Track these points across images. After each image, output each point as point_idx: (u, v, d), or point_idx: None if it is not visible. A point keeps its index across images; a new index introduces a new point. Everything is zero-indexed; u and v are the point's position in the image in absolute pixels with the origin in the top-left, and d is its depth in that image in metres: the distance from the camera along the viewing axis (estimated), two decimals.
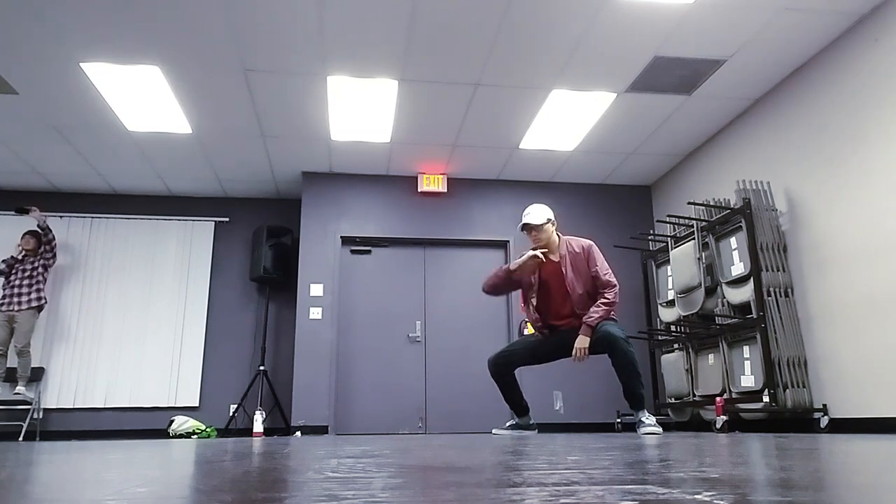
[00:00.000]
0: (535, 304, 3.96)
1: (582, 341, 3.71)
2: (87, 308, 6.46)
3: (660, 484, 0.92)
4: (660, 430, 3.73)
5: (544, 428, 6.00)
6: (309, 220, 6.35)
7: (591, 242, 3.94)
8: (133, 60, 4.45)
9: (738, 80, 4.84)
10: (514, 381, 4.00)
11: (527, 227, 3.91)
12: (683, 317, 5.31)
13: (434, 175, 6.52)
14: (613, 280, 3.82)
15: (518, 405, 4.05)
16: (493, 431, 4.27)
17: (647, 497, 0.78)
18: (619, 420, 5.89)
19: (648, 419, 3.74)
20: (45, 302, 6.07)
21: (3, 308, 5.87)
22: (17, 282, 5.95)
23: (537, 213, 3.93)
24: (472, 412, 6.12)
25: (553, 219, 3.96)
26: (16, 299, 5.89)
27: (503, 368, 3.97)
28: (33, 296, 5.94)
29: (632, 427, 4.18)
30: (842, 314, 4.23)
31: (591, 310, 3.75)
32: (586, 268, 3.85)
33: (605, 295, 3.78)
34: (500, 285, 4.05)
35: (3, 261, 6.10)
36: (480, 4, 3.95)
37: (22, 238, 6.10)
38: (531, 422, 4.14)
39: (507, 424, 4.21)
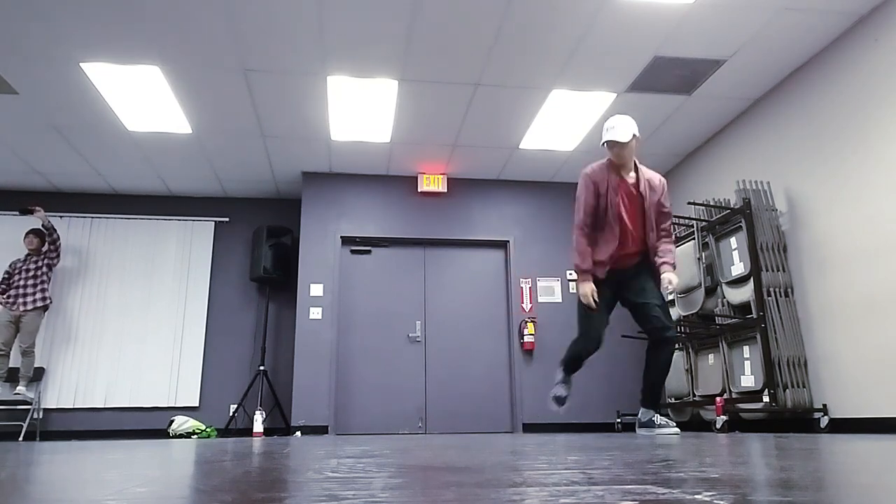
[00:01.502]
0: (609, 231, 3.57)
1: (673, 275, 3.52)
2: (87, 308, 6.47)
3: (660, 484, 0.92)
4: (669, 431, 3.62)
5: (544, 428, 6.02)
6: (309, 220, 6.35)
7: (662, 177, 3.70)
8: (133, 60, 4.45)
9: (738, 80, 4.84)
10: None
11: (611, 144, 3.52)
12: (683, 317, 5.31)
13: (434, 175, 6.52)
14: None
15: (578, 366, 3.76)
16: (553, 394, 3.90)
17: (647, 497, 0.78)
18: (619, 420, 5.89)
19: (661, 419, 3.64)
20: (51, 302, 6.07)
21: (9, 308, 5.87)
22: (22, 282, 5.95)
23: (624, 127, 3.50)
24: (472, 412, 6.12)
25: (638, 134, 3.57)
26: (21, 300, 5.89)
27: (599, 342, 3.61)
28: (38, 296, 5.94)
29: (632, 427, 4.16)
30: (842, 314, 4.23)
31: (665, 250, 3.58)
32: (658, 202, 3.61)
33: (669, 240, 3.59)
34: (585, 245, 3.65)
35: (10, 265, 6.11)
36: (480, 4, 3.95)
37: (25, 237, 6.11)
38: (570, 386, 3.87)
39: (559, 380, 3.87)
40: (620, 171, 3.61)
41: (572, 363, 3.74)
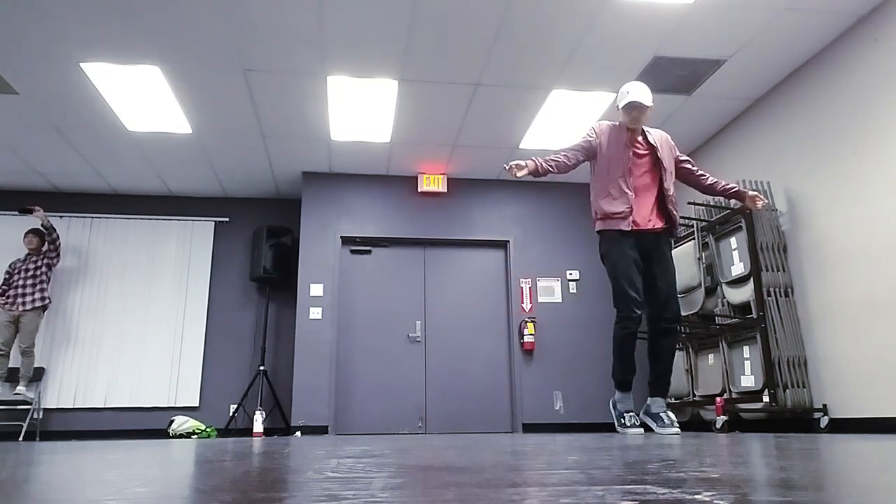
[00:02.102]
0: (621, 187, 3.48)
1: (756, 193, 3.67)
2: (87, 308, 6.47)
3: (660, 484, 0.92)
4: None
5: (544, 428, 6.02)
6: (309, 220, 6.35)
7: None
8: (133, 60, 4.45)
9: (738, 80, 4.84)
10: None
11: (634, 106, 3.51)
12: (683, 317, 5.31)
13: (434, 175, 6.52)
14: None
15: (630, 367, 3.58)
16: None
17: (647, 497, 0.78)
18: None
19: (669, 418, 3.54)
20: (50, 302, 6.07)
21: (8, 308, 5.86)
22: (21, 282, 5.94)
23: (646, 91, 3.53)
24: (472, 412, 6.12)
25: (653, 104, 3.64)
26: (20, 300, 5.89)
27: (639, 301, 3.42)
28: (37, 296, 5.94)
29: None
30: (842, 314, 4.23)
31: (722, 181, 3.77)
32: (671, 158, 3.64)
33: (707, 175, 3.79)
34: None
35: (10, 265, 6.11)
36: (480, 5, 3.95)
37: (25, 237, 6.11)
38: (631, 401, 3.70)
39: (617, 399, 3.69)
40: (634, 136, 3.64)
41: (621, 364, 3.50)
